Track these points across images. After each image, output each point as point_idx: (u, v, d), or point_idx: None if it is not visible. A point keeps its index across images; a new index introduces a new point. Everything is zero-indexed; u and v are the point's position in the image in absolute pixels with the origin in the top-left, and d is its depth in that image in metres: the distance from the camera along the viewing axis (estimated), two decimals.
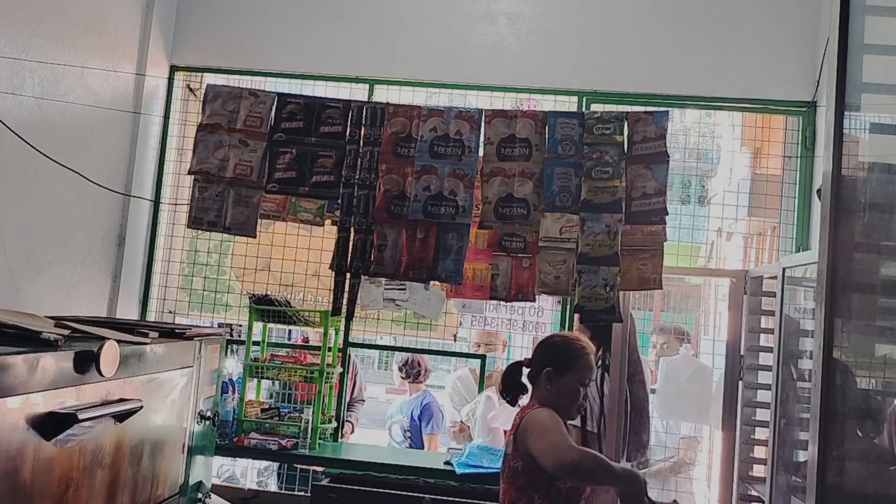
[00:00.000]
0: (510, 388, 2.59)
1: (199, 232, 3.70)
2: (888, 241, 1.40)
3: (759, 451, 3.39)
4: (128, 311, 4.01)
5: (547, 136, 3.11)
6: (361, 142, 3.18)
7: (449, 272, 3.06)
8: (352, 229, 3.14)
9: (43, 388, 1.71)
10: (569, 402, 2.48)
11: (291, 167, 3.17)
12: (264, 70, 4.17)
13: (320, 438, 3.55)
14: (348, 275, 3.17)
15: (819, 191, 3.12)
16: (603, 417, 3.34)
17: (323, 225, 3.45)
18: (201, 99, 3.43)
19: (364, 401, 4.58)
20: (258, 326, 3.70)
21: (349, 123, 3.19)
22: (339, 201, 3.17)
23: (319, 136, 3.19)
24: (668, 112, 3.11)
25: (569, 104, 4.00)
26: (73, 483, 1.86)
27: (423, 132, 3.14)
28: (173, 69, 4.22)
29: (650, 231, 3.08)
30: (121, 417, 2.03)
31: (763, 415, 3.28)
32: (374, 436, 5.96)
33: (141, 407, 2.07)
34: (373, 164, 3.15)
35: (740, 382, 3.45)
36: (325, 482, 3.36)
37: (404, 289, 3.68)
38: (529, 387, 2.56)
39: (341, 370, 3.83)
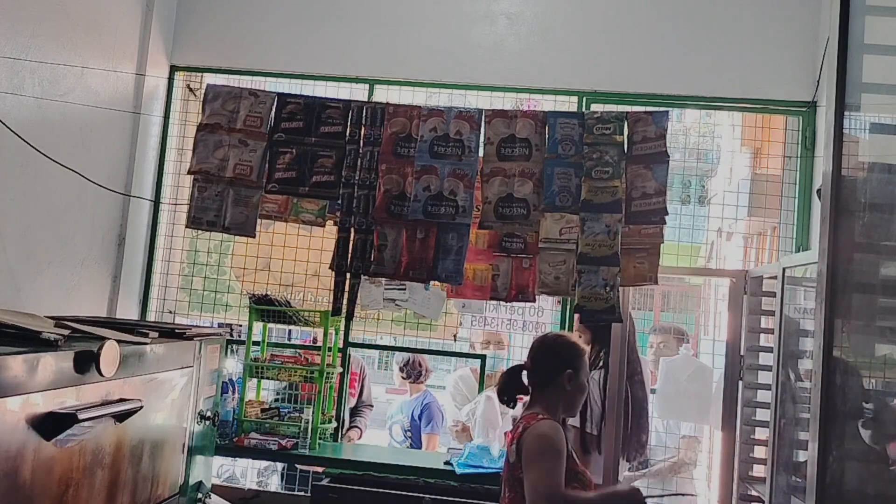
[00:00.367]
0: (510, 392, 2.60)
1: (199, 232, 3.70)
2: (888, 241, 1.40)
3: (759, 451, 3.39)
4: (128, 311, 4.01)
5: (547, 136, 3.11)
6: (361, 142, 3.18)
7: (449, 272, 3.06)
8: (352, 229, 3.14)
9: (43, 388, 1.70)
10: (581, 400, 2.56)
11: (291, 167, 3.17)
12: (264, 70, 4.17)
13: (320, 438, 3.55)
14: (348, 275, 3.17)
15: (819, 191, 3.12)
16: (603, 419, 3.34)
17: (324, 226, 3.45)
18: (201, 99, 3.43)
19: (372, 406, 4.59)
20: (258, 326, 3.70)
21: (349, 123, 3.19)
22: (339, 201, 3.17)
23: (319, 136, 3.19)
24: (668, 112, 3.11)
25: (569, 104, 4.00)
26: (73, 483, 1.86)
27: (423, 132, 3.14)
28: (173, 69, 4.22)
29: (648, 231, 3.08)
30: (121, 417, 2.03)
31: (763, 415, 3.28)
32: (374, 436, 5.96)
33: (141, 407, 2.07)
34: (373, 164, 3.15)
35: (740, 382, 3.45)
36: (325, 482, 3.36)
37: (404, 289, 3.68)
38: (530, 390, 2.57)
39: (341, 370, 3.83)
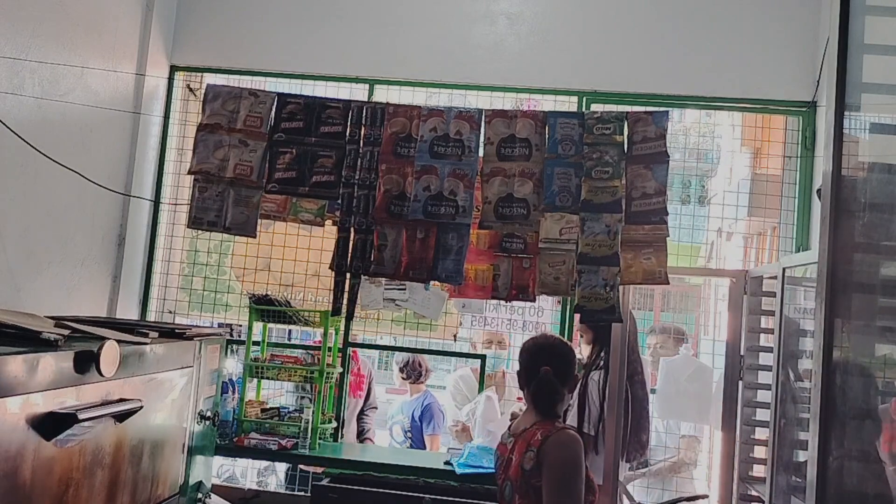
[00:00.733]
0: (555, 401, 2.48)
1: (199, 232, 3.70)
2: (888, 241, 1.40)
3: (759, 451, 3.39)
4: (128, 311, 4.01)
5: (547, 136, 3.11)
6: (361, 142, 3.18)
7: (449, 272, 3.06)
8: (352, 229, 3.14)
9: (43, 388, 1.70)
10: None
11: (291, 167, 3.17)
12: (264, 70, 4.17)
13: (320, 438, 3.55)
14: (348, 275, 3.17)
15: (819, 191, 3.12)
16: (602, 420, 3.34)
17: (323, 225, 3.45)
18: (201, 99, 3.43)
19: (376, 408, 4.62)
20: (258, 326, 3.70)
21: (349, 123, 3.19)
22: (339, 201, 3.17)
23: (319, 136, 3.19)
24: (668, 112, 3.11)
25: (569, 104, 4.00)
26: (73, 483, 1.86)
27: (423, 132, 3.14)
28: (173, 69, 4.22)
29: (652, 227, 3.07)
30: (121, 417, 2.03)
31: (763, 415, 3.28)
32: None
33: (141, 407, 2.07)
34: (373, 164, 3.15)
35: (740, 382, 3.45)
36: (325, 482, 3.36)
37: (404, 289, 3.68)
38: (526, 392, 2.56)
39: (341, 370, 3.83)
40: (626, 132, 3.08)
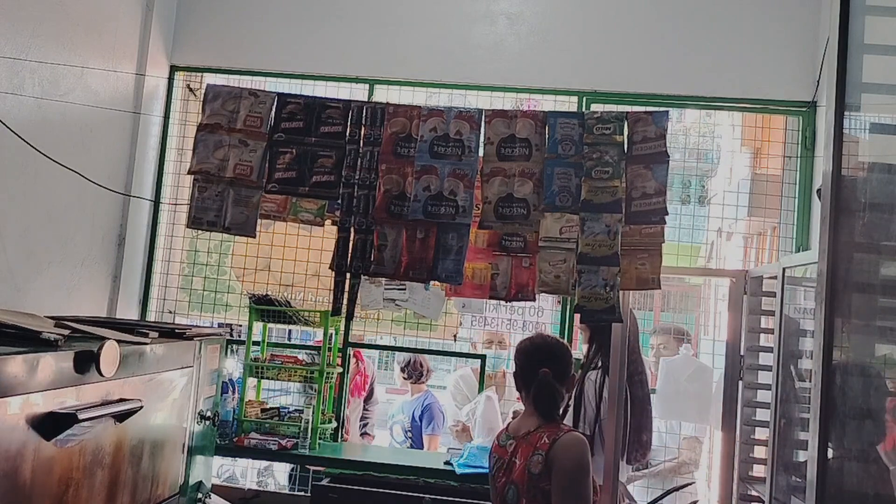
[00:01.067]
0: (557, 403, 2.48)
1: (199, 232, 3.70)
2: (888, 241, 1.40)
3: (759, 451, 3.39)
4: (128, 311, 4.01)
5: (547, 136, 3.11)
6: (361, 142, 3.18)
7: (449, 272, 3.06)
8: (352, 229, 3.14)
9: (43, 388, 1.71)
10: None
11: (291, 167, 3.17)
12: (264, 70, 4.17)
13: (320, 438, 3.55)
14: (348, 275, 3.17)
15: (819, 191, 3.12)
16: (599, 420, 3.33)
17: (323, 225, 3.45)
18: (201, 99, 3.43)
19: (378, 402, 4.63)
20: (258, 326, 3.70)
21: (349, 123, 3.19)
22: (339, 201, 3.17)
23: (319, 136, 3.18)
24: (668, 112, 3.11)
25: (569, 104, 4.00)
26: (73, 483, 1.86)
27: (423, 132, 3.13)
28: (173, 69, 4.22)
29: (648, 231, 3.08)
30: (121, 417, 2.03)
31: (763, 415, 3.28)
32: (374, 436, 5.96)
33: (141, 407, 2.07)
34: (373, 164, 3.14)
35: (740, 382, 3.44)
36: (325, 482, 3.36)
37: (404, 289, 3.68)
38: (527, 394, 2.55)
39: (341, 370, 3.83)
40: (626, 132, 3.08)
